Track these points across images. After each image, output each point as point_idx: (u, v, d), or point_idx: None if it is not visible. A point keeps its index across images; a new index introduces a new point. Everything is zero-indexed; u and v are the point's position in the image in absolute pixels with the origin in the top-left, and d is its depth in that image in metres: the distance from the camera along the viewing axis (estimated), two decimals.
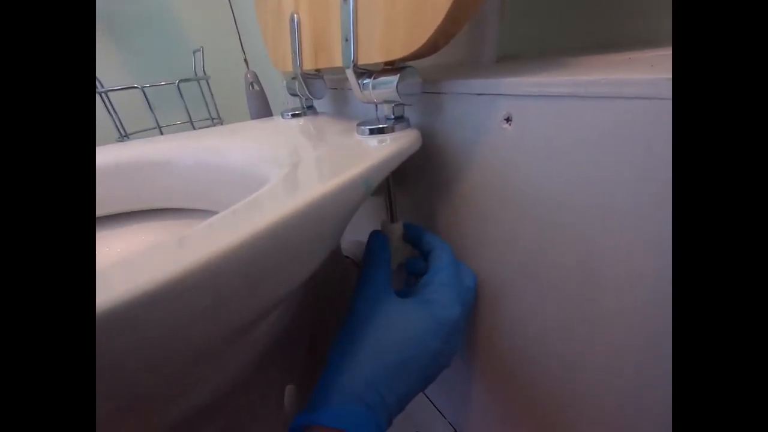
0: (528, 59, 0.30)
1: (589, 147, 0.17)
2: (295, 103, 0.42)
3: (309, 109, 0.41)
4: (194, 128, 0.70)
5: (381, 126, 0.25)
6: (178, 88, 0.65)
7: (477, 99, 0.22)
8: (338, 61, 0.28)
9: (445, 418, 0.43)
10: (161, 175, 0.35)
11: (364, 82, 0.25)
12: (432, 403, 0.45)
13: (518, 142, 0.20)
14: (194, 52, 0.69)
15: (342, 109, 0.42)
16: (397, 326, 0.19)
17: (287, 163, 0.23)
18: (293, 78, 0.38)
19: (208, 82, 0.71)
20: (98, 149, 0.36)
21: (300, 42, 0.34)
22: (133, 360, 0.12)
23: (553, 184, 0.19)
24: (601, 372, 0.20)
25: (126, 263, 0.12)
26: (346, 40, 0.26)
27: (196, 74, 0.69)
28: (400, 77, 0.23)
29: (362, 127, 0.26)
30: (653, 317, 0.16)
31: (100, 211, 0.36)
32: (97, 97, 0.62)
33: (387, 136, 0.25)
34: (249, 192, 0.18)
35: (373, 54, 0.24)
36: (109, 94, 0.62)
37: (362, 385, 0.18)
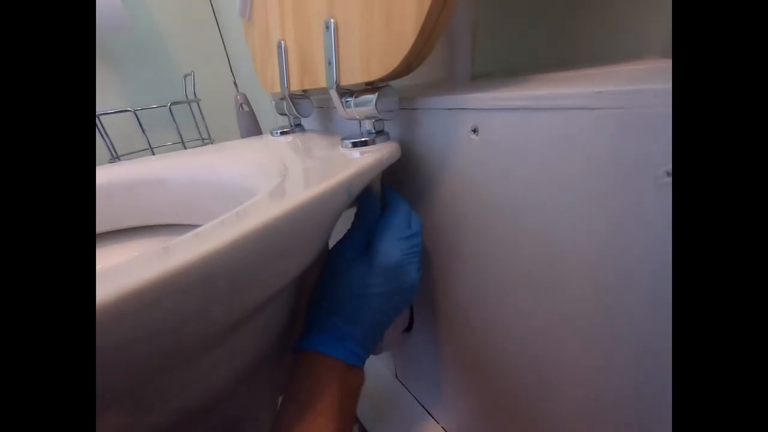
0: (499, 77, 0.33)
1: (540, 152, 0.19)
2: (284, 121, 0.45)
3: (297, 127, 0.43)
4: (185, 149, 0.72)
5: (363, 139, 0.27)
6: (170, 111, 0.67)
7: (447, 113, 0.24)
8: (323, 82, 0.30)
9: (430, 414, 0.44)
10: (155, 192, 0.37)
11: (347, 100, 0.28)
12: (418, 401, 0.45)
13: (484, 150, 0.22)
14: (185, 76, 0.72)
15: (327, 125, 0.44)
16: (354, 279, 0.25)
17: (276, 175, 0.24)
18: (281, 99, 0.40)
19: (198, 105, 0.74)
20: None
21: (287, 65, 0.37)
22: (119, 359, 0.13)
23: (514, 186, 0.21)
24: (569, 358, 0.22)
25: (114, 268, 0.12)
26: (329, 63, 0.28)
27: (187, 97, 0.71)
28: (378, 96, 0.25)
29: (346, 141, 0.28)
30: (614, 305, 0.18)
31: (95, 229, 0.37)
32: None
33: (369, 148, 0.27)
34: (240, 205, 0.20)
35: (354, 75, 0.27)
36: (101, 117, 0.63)
37: (330, 323, 0.24)
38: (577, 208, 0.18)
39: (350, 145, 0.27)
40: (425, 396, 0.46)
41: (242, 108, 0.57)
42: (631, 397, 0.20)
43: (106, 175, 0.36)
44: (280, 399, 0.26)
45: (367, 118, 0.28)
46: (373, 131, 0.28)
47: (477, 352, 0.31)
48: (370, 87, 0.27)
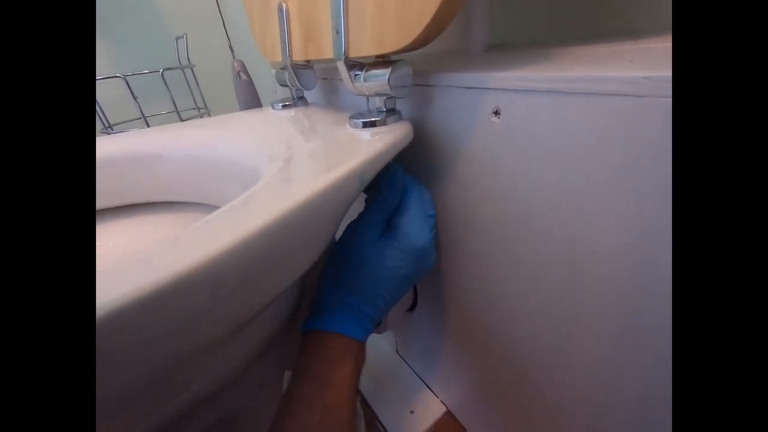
0: (516, 49, 0.31)
1: (571, 143, 0.17)
2: (285, 93, 0.42)
3: (300, 100, 0.41)
4: (181, 118, 0.69)
5: (374, 119, 0.26)
6: (162, 77, 0.63)
7: (466, 92, 0.22)
8: (328, 53, 0.28)
9: (437, 396, 0.45)
10: (153, 168, 0.35)
11: (356, 74, 0.26)
12: (425, 384, 0.47)
13: (505, 135, 0.21)
14: (177, 39, 0.67)
15: (332, 99, 0.42)
16: (375, 260, 0.24)
17: (281, 156, 0.23)
18: (282, 68, 0.37)
19: (193, 71, 0.70)
20: None
21: (289, 32, 0.34)
22: (132, 357, 0.12)
23: (536, 179, 0.20)
24: (576, 351, 0.22)
25: (124, 264, 0.12)
26: (337, 32, 0.26)
27: (180, 63, 0.67)
28: (391, 70, 0.23)
29: (355, 120, 0.26)
30: (631, 307, 0.18)
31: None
32: None
33: (380, 129, 0.25)
34: (243, 186, 0.19)
35: (364, 47, 0.25)
36: None
37: (348, 303, 0.24)
38: (608, 210, 0.17)
39: (360, 125, 0.26)
40: (425, 371, 0.47)
41: (240, 76, 0.54)
42: (637, 391, 0.20)
43: (104, 149, 0.34)
44: (286, 380, 0.26)
45: (378, 94, 0.26)
46: (384, 109, 0.26)
47: (480, 335, 0.32)
48: (382, 60, 0.25)
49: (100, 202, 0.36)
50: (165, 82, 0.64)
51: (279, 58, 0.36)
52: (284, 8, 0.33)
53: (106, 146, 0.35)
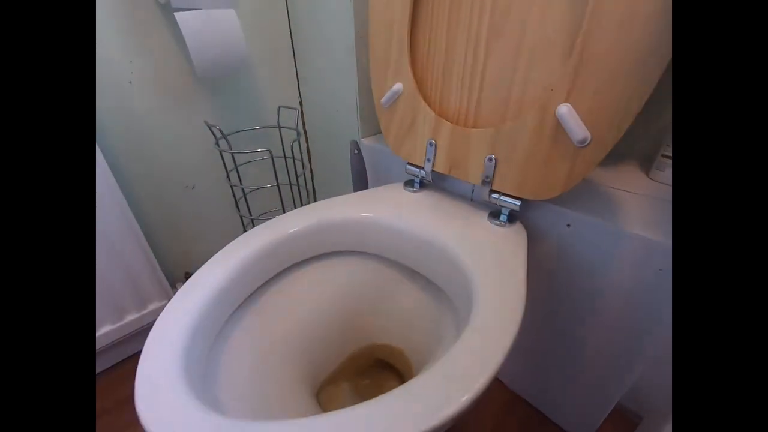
0: None
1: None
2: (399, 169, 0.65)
3: (422, 186, 0.64)
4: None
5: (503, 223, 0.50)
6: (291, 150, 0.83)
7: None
8: (472, 179, 0.52)
9: None
10: (337, 231, 0.56)
11: (494, 196, 0.50)
12: None
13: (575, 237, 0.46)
14: (279, 108, 0.87)
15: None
16: None
17: (468, 256, 0.46)
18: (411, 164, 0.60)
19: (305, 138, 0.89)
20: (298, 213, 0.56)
21: (435, 157, 0.57)
22: None
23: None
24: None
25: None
26: (483, 183, 0.50)
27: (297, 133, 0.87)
28: (521, 203, 0.48)
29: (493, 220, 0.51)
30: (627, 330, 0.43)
31: (303, 256, 0.57)
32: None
33: (511, 228, 0.50)
34: (415, 249, 0.42)
35: (505, 186, 0.49)
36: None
37: None
38: None
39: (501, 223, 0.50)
40: None
41: (354, 152, 0.76)
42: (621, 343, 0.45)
43: (311, 219, 0.55)
44: None
45: (502, 207, 0.50)
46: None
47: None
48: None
49: (306, 255, 0.57)
50: (293, 160, 0.84)
51: (416, 161, 0.59)
52: (434, 144, 0.56)
53: (309, 218, 0.56)
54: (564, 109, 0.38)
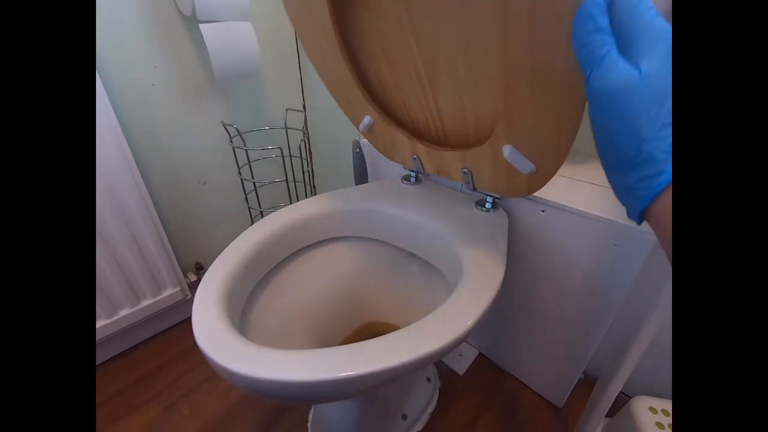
0: None
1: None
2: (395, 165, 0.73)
3: (417, 180, 0.72)
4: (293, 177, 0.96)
5: (488, 208, 0.59)
6: (298, 152, 0.91)
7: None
8: (457, 179, 0.60)
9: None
10: (340, 218, 0.64)
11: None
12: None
13: (548, 222, 0.55)
14: (287, 110, 0.95)
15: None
16: None
17: (458, 237, 0.55)
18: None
19: (308, 139, 0.98)
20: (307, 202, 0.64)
21: (422, 164, 0.66)
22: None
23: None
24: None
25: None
26: (462, 189, 0.59)
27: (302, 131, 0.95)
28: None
29: (479, 209, 0.59)
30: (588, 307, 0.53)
31: (314, 239, 0.64)
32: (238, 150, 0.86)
33: (494, 213, 0.58)
34: (418, 234, 0.51)
35: (485, 187, 0.58)
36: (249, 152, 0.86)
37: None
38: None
39: (484, 209, 0.59)
40: None
41: (356, 151, 0.84)
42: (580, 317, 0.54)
43: (321, 206, 0.63)
44: None
45: (488, 195, 0.59)
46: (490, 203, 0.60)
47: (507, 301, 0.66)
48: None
49: (316, 237, 0.65)
50: (300, 159, 0.91)
51: (408, 164, 0.67)
52: (417, 158, 0.65)
53: (324, 204, 0.64)
54: (507, 151, 0.43)
